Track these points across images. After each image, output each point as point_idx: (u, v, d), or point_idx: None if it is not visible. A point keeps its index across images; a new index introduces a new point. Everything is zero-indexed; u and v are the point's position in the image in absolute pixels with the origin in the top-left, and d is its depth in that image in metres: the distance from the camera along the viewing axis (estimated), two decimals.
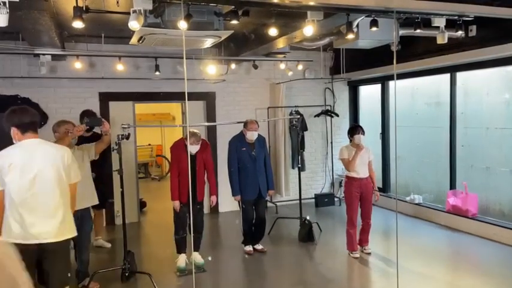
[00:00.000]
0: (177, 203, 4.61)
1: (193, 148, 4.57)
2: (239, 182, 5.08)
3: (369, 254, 5.03)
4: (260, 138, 5.23)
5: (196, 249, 4.82)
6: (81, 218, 4.10)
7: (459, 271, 4.64)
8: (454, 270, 4.69)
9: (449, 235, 5.84)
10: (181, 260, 4.75)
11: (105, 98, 6.55)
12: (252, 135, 5.06)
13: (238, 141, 5.14)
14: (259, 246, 5.33)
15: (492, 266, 4.71)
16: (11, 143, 2.90)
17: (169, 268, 4.79)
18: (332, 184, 8.10)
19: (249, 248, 5.26)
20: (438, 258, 4.97)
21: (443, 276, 4.48)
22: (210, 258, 4.89)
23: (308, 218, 5.76)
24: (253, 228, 5.29)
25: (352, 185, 4.94)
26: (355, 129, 5.01)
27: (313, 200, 7.68)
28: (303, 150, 7.38)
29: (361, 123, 8.13)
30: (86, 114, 4.97)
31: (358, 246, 5.08)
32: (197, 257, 4.77)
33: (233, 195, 5.13)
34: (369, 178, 5.01)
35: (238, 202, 5.20)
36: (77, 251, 4.30)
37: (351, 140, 5.03)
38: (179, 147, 4.68)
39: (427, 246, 5.36)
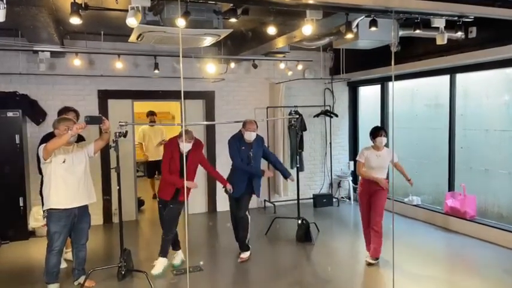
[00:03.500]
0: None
1: (185, 146, 4.48)
2: (232, 179, 4.98)
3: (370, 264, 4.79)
4: (258, 138, 5.20)
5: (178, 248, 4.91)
6: (78, 215, 4.10)
7: (456, 273, 4.63)
8: (451, 272, 4.68)
9: (447, 237, 5.82)
10: (177, 258, 4.82)
11: (104, 96, 6.54)
12: (249, 136, 5.00)
13: (237, 140, 5.10)
14: (242, 255, 5.14)
15: (490, 268, 4.69)
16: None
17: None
18: (330, 185, 8.09)
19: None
20: (436, 259, 4.96)
21: (440, 278, 4.47)
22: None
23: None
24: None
25: (364, 186, 4.87)
26: (377, 131, 4.83)
27: (312, 200, 7.67)
28: (302, 151, 7.37)
29: (360, 124, 8.17)
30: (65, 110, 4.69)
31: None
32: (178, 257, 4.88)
33: (262, 175, 5.08)
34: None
35: (229, 197, 5.13)
36: (73, 248, 4.29)
37: (373, 142, 4.87)
38: (172, 144, 4.65)
39: (424, 247, 5.34)
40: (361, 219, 5.00)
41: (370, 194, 4.81)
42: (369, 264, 4.76)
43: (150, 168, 8.48)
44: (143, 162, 11.28)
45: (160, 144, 7.86)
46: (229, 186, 4.85)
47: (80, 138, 4.48)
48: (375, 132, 4.82)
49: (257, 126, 5.08)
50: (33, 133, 6.11)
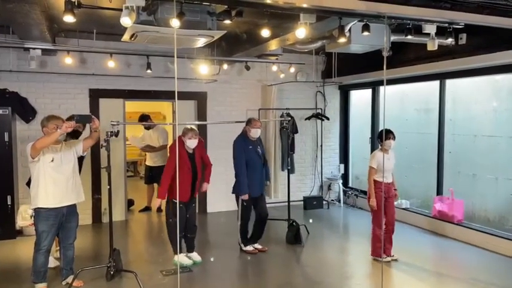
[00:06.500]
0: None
1: (192, 142, 4.62)
2: (250, 179, 5.02)
3: (396, 260, 4.97)
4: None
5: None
6: (67, 214, 4.07)
7: (443, 276, 4.68)
8: (438, 275, 4.73)
9: (435, 240, 5.89)
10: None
11: (96, 95, 6.50)
12: (256, 133, 5.10)
13: (242, 140, 5.12)
14: (259, 246, 5.34)
15: (476, 272, 4.75)
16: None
17: (154, 267, 4.77)
18: (321, 187, 8.13)
19: (250, 247, 5.27)
20: (423, 263, 5.00)
21: (427, 281, 4.51)
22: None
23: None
24: (255, 227, 5.32)
25: (380, 190, 4.87)
26: (386, 134, 4.80)
27: (302, 203, 7.70)
28: (293, 153, 7.40)
29: (351, 127, 8.23)
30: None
31: (385, 255, 4.96)
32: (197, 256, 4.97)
33: (243, 193, 5.02)
34: (392, 183, 5.00)
35: (242, 201, 5.12)
36: (61, 248, 4.25)
37: (381, 145, 4.93)
38: (179, 144, 4.62)
39: (412, 250, 5.39)
40: (377, 223, 4.89)
41: (387, 198, 4.90)
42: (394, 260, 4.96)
43: (149, 174, 7.42)
44: (133, 162, 11.24)
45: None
46: (206, 185, 4.99)
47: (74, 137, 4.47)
48: (384, 135, 4.81)
49: (261, 124, 5.23)
50: (23, 131, 6.06)
